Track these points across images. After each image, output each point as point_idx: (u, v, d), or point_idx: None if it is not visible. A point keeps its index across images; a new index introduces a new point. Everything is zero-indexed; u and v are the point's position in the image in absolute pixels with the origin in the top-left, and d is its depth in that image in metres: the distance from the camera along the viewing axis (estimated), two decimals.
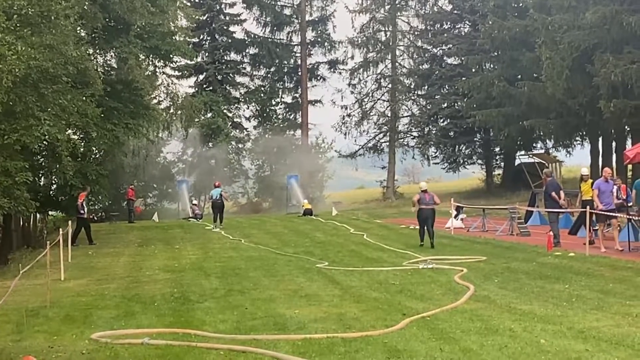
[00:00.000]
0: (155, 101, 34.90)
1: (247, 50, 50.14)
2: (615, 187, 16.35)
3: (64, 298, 11.71)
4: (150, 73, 28.52)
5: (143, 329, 9.03)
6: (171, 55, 25.81)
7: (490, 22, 36.56)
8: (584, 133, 36.85)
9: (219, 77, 48.27)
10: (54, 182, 27.46)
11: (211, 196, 27.90)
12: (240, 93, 50.15)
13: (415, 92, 48.56)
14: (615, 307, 9.44)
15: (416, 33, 48.56)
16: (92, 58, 22.66)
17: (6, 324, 9.75)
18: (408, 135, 49.46)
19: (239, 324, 9.14)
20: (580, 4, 29.68)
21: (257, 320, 9.29)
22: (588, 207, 15.64)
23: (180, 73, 44.99)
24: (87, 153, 24.20)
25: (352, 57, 49.32)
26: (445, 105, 44.60)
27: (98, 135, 21.14)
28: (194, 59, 40.07)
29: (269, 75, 50.82)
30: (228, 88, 49.28)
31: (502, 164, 46.19)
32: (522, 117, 34.78)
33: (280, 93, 51.07)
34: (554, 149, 41.65)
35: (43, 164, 23.96)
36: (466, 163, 46.48)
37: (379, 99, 49.26)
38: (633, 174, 28.82)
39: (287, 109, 51.53)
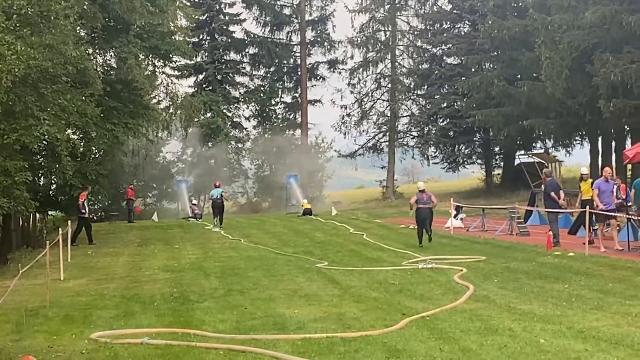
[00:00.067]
0: (154, 101, 34.89)
1: (246, 50, 50.13)
2: (614, 186, 16.36)
3: (63, 298, 11.71)
4: (149, 73, 28.51)
5: (142, 328, 9.03)
6: (171, 55, 25.82)
7: (489, 22, 36.55)
8: (584, 133, 36.85)
9: (219, 77, 48.27)
10: (53, 181, 27.49)
11: (211, 196, 27.91)
12: (240, 93, 50.15)
13: (415, 92, 48.53)
14: (615, 306, 9.44)
15: (416, 33, 48.54)
16: (92, 58, 22.66)
17: (6, 324, 9.74)
18: (407, 135, 49.46)
19: (238, 323, 9.14)
20: (580, 4, 29.68)
21: (257, 320, 9.29)
22: (587, 206, 15.64)
23: (179, 73, 44.96)
24: (87, 153, 24.19)
25: (352, 57, 49.40)
26: (445, 105, 44.58)
27: (97, 135, 21.14)
28: (194, 58, 40.14)
29: (268, 75, 50.81)
30: (227, 88, 49.28)
31: (502, 163, 46.18)
32: (522, 116, 34.78)
33: (280, 93, 51.06)
34: (553, 149, 41.67)
35: (42, 163, 23.97)
36: (466, 163, 46.45)
37: (378, 99, 49.26)
38: (632, 173, 28.81)
39: (287, 109, 51.53)
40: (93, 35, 22.52)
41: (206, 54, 48.30)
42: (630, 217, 16.09)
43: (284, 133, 50.16)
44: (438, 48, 46.70)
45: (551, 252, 15.50)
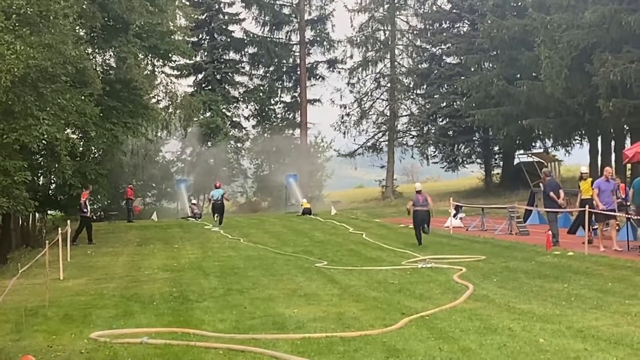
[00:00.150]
0: (154, 100, 34.79)
1: (246, 50, 50.11)
2: (615, 186, 16.34)
3: (62, 297, 11.70)
4: (149, 72, 28.46)
5: (142, 328, 9.02)
6: (170, 55, 25.82)
7: (489, 22, 36.55)
8: (583, 132, 36.88)
9: (218, 77, 48.28)
10: (53, 181, 27.51)
11: (212, 197, 27.89)
12: (239, 92, 50.15)
13: (414, 92, 48.53)
14: (614, 306, 9.44)
15: (415, 32, 48.53)
16: (91, 57, 22.65)
17: (5, 324, 9.74)
18: (407, 134, 49.47)
19: (237, 323, 9.14)
20: (580, 3, 29.69)
21: (256, 320, 9.29)
22: (587, 206, 15.63)
23: (179, 72, 44.96)
24: (86, 152, 24.19)
25: (351, 56, 49.38)
26: (444, 104, 44.60)
27: (97, 134, 21.15)
28: (193, 58, 40.11)
29: (267, 74, 50.79)
30: (227, 87, 49.30)
31: (501, 163, 46.19)
32: (521, 116, 34.80)
33: (279, 92, 51.03)
34: (553, 148, 41.71)
35: (42, 163, 23.98)
36: (465, 162, 46.48)
37: (378, 98, 49.25)
38: (632, 173, 28.82)
39: (286, 108, 51.51)
40: (92, 34, 22.52)
41: (205, 53, 48.29)
42: (629, 216, 16.09)
43: (283, 132, 50.17)
44: (437, 47, 46.72)
45: (550, 251, 15.50)
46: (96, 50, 23.69)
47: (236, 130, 49.99)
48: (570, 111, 32.16)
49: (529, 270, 13.14)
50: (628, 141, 33.47)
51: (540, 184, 22.32)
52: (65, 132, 19.53)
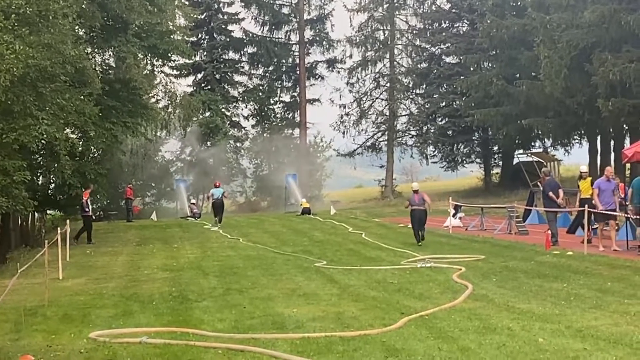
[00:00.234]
0: (153, 100, 34.82)
1: (245, 49, 50.07)
2: (615, 185, 16.34)
3: (62, 297, 11.70)
4: (148, 72, 28.49)
5: (141, 328, 9.02)
6: (169, 54, 25.82)
7: (488, 21, 36.56)
8: (583, 132, 36.90)
9: (217, 76, 48.26)
10: (52, 181, 27.50)
11: (212, 195, 27.88)
12: (239, 92, 50.13)
13: (414, 91, 48.53)
14: (614, 305, 9.45)
15: (414, 32, 48.51)
16: (90, 57, 22.65)
17: (4, 323, 9.73)
18: (406, 134, 49.45)
19: (237, 323, 9.14)
20: (579, 3, 29.70)
21: (256, 319, 9.29)
22: (586, 205, 15.63)
23: (178, 72, 44.93)
24: (86, 152, 24.18)
25: (351, 56, 49.34)
26: (444, 104, 44.60)
27: (96, 134, 21.13)
28: (192, 57, 40.05)
29: (267, 74, 50.76)
30: (226, 87, 49.27)
31: (501, 162, 46.19)
32: (521, 116, 34.79)
33: (279, 92, 51.00)
34: (552, 148, 41.69)
35: (41, 163, 23.96)
36: (464, 162, 46.48)
37: (377, 98, 49.24)
38: (631, 172, 28.83)
39: (286, 108, 51.48)
40: (92, 34, 22.52)
41: (205, 53, 48.28)
42: (628, 216, 16.09)
43: (282, 132, 50.14)
44: (437, 47, 46.73)
45: (550, 251, 15.50)
46: (95, 50, 23.69)
47: (235, 129, 49.96)
48: (569, 111, 32.18)
49: (528, 269, 13.15)
50: (627, 141, 33.50)
51: (540, 184, 22.36)
52: (65, 132, 19.52)
